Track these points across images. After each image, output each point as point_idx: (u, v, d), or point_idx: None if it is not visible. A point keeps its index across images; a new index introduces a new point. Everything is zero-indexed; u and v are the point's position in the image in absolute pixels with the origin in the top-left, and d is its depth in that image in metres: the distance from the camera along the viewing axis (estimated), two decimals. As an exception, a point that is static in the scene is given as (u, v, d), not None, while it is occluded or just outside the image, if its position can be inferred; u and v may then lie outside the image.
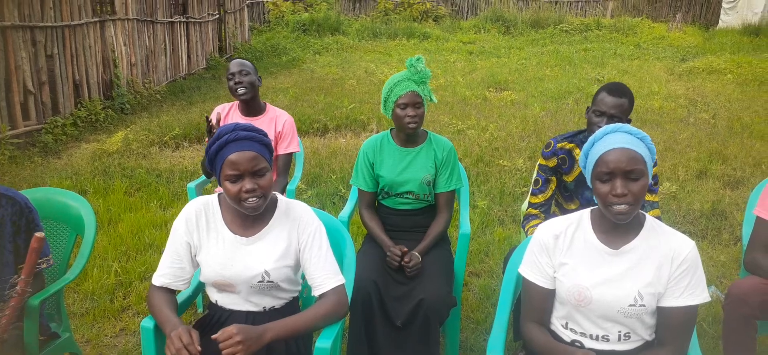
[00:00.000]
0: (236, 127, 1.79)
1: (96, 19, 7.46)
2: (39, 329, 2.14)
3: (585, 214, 1.86)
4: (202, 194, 3.42)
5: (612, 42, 14.74)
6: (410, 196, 2.68)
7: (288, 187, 3.42)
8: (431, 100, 2.62)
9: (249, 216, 1.89)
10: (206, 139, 3.08)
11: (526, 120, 7.20)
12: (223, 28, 12.68)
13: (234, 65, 3.18)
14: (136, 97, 8.25)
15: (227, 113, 3.30)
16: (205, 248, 1.90)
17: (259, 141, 1.80)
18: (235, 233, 1.90)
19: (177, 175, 5.40)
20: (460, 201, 2.92)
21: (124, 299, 3.45)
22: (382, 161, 2.70)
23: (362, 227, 4.08)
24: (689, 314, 1.72)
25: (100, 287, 3.50)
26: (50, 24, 6.50)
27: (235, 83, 3.15)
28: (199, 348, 1.68)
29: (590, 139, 1.78)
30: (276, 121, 3.29)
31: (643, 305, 1.72)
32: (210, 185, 3.59)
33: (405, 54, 13.62)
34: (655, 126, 7.05)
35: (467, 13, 20.10)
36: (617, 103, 2.43)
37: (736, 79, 9.84)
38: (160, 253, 3.86)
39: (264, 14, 18.35)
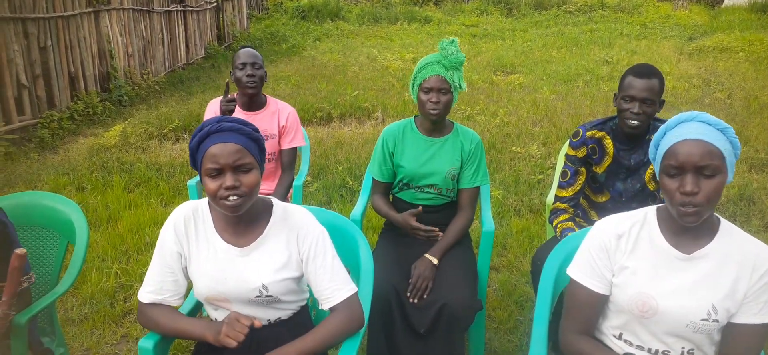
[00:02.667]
0: (221, 119, 1.58)
1: (90, 10, 7.22)
2: (30, 346, 1.96)
3: (650, 211, 1.63)
4: (203, 194, 3.25)
5: (617, 22, 14.46)
6: (432, 190, 2.48)
7: (295, 182, 3.21)
8: (461, 88, 2.40)
9: (242, 222, 1.68)
10: (222, 105, 2.82)
11: (536, 104, 6.98)
12: (221, 16, 12.43)
13: (246, 55, 2.91)
14: (134, 88, 8.04)
15: (228, 86, 3.08)
16: (195, 260, 1.69)
17: (247, 135, 1.59)
18: (228, 243, 1.69)
19: (178, 170, 5.20)
20: (481, 196, 2.70)
21: (125, 302, 3.26)
22: (404, 151, 2.49)
23: (374, 227, 3.95)
24: (763, 333, 1.51)
25: (99, 291, 3.32)
26: (43, 15, 6.27)
27: (248, 76, 2.89)
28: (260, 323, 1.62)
29: (662, 127, 1.56)
30: (279, 115, 3.07)
31: (717, 320, 1.50)
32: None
33: (407, 39, 13.38)
34: (670, 108, 6.82)
35: (469, -5, 19.77)
36: (647, 85, 2.23)
37: (748, 58, 9.59)
38: (162, 253, 3.72)
39: (262, 1, 18.05)
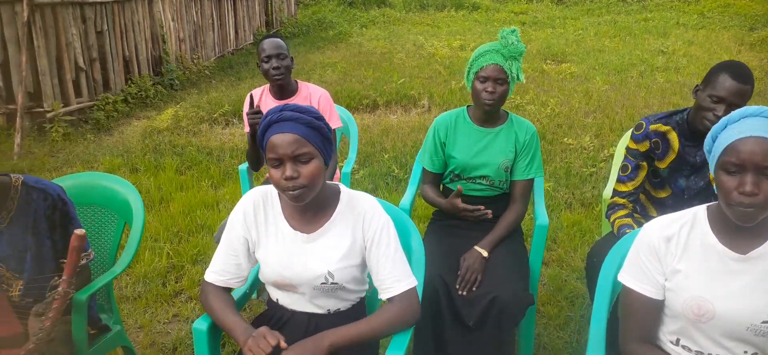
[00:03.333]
0: (284, 107, 1.57)
1: (144, -6, 7.40)
2: (89, 322, 2.01)
3: (700, 211, 1.54)
4: (253, 179, 3.27)
5: (673, 11, 13.93)
6: (484, 181, 2.42)
7: (343, 169, 3.20)
8: (518, 79, 2.33)
9: (309, 210, 1.68)
10: (248, 119, 2.85)
11: (588, 94, 6.78)
12: (269, 2, 12.55)
13: (269, 46, 2.87)
14: (185, 73, 8.21)
15: (260, 99, 3.09)
16: (263, 245, 1.71)
17: (306, 123, 1.56)
18: (295, 229, 1.70)
19: (228, 154, 5.28)
20: (535, 188, 2.62)
21: (176, 282, 3.34)
22: (456, 141, 2.44)
23: (422, 217, 3.91)
24: None
25: (152, 270, 3.40)
26: (99, 0, 6.45)
27: (273, 68, 2.87)
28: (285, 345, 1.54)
29: (722, 120, 1.46)
30: (310, 99, 3.04)
31: None
32: (264, 167, 3.39)
33: (454, 26, 13.23)
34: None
35: (518, -18, 19.38)
36: (741, 90, 2.05)
37: (816, 49, 9.10)
38: (212, 234, 3.79)
39: (310, -13, 18.13)
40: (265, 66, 2.91)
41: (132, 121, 6.46)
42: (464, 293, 2.19)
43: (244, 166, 3.21)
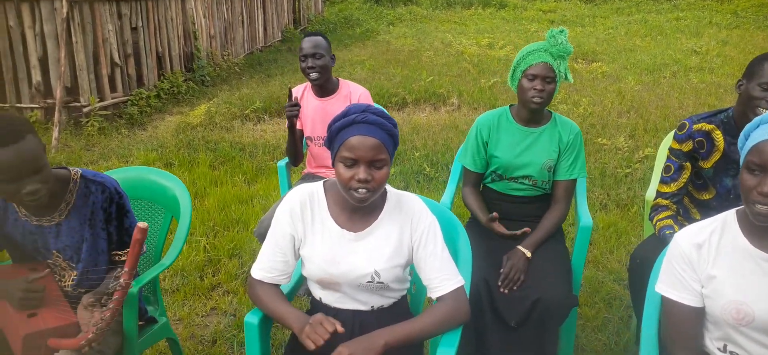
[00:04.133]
0: (368, 109, 1.58)
1: (178, -9, 7.50)
2: (137, 314, 2.05)
3: (729, 215, 1.54)
4: (291, 174, 3.28)
5: (706, 10, 13.68)
6: (527, 181, 2.41)
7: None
8: (566, 78, 2.32)
9: (358, 209, 1.70)
10: (285, 112, 2.88)
11: (621, 94, 6.70)
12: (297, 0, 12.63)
13: (307, 45, 2.91)
14: (215, 69, 8.30)
15: (301, 96, 3.12)
16: (310, 242, 1.72)
17: (388, 131, 1.58)
18: (342, 227, 1.71)
19: (260, 150, 5.34)
20: (577, 189, 2.60)
21: (213, 276, 3.38)
22: (498, 140, 2.43)
23: (461, 215, 3.89)
24: None
25: (190, 264, 3.45)
26: (135, -3, 6.57)
27: (308, 68, 2.92)
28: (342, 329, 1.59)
29: (757, 119, 1.45)
30: (350, 98, 3.06)
31: None
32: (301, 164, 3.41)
33: (482, 24, 13.16)
34: None
35: (545, -20, 19.20)
36: None
37: None
38: (247, 229, 3.84)
39: (336, -15, 18.18)
40: (303, 65, 2.95)
41: (164, 117, 6.55)
42: (506, 291, 2.19)
43: (282, 162, 3.24)
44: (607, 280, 3.24)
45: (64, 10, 5.56)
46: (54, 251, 1.91)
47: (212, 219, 4.02)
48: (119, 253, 1.96)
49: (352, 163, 1.56)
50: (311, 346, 1.55)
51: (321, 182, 1.78)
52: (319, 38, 2.97)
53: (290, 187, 3.23)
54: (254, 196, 4.42)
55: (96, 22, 6.01)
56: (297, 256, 1.76)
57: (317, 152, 3.16)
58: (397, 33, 12.09)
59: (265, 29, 10.69)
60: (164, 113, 6.69)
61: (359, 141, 1.54)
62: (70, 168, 1.90)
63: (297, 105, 2.87)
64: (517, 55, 2.37)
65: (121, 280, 1.67)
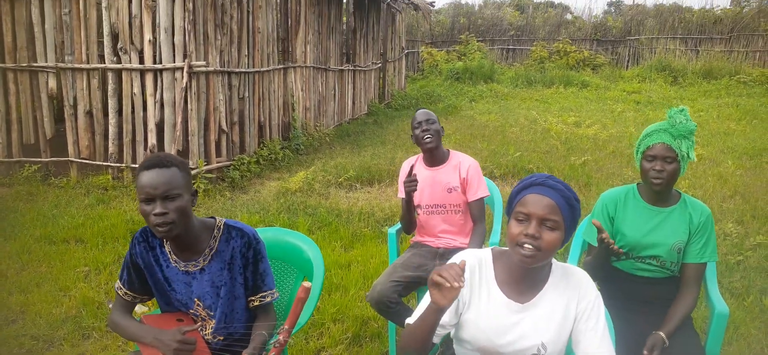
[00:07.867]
0: (549, 176, 1.66)
1: (281, 66, 8.00)
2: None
3: None
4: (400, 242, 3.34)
5: (805, 94, 13.09)
6: (654, 262, 2.38)
7: (490, 239, 3.25)
8: (689, 157, 2.31)
9: (524, 279, 1.71)
10: (405, 186, 3.01)
11: (722, 179, 6.46)
12: (383, 75, 13.11)
13: (421, 115, 3.16)
14: (308, 139, 8.69)
15: (412, 167, 3.24)
16: (475, 307, 1.74)
17: (564, 196, 1.62)
18: (508, 297, 1.72)
19: (356, 217, 5.49)
20: (707, 273, 2.53)
21: (318, 339, 3.46)
22: (625, 217, 2.42)
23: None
24: None
25: (297, 326, 3.54)
26: (244, 70, 7.06)
27: (423, 131, 3.10)
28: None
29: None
30: (460, 167, 3.17)
31: None
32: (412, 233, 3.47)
33: (564, 102, 13.13)
34: None
35: (628, 62, 19.07)
36: None
37: None
38: (349, 295, 3.92)
39: (418, 63, 18.79)
40: (417, 132, 3.13)
41: (263, 182, 6.88)
42: None
43: (392, 229, 3.33)
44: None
45: (184, 81, 6.06)
46: (195, 299, 2.03)
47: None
48: (253, 299, 2.07)
49: (524, 218, 1.61)
50: None
51: (489, 249, 1.82)
52: (430, 110, 3.21)
53: (399, 253, 3.32)
54: (352, 261, 4.52)
55: (210, 92, 6.50)
56: (456, 317, 1.77)
57: (426, 221, 3.24)
58: (480, 109, 12.26)
59: (353, 103, 11.15)
60: (263, 178, 7.03)
61: (534, 198, 1.60)
62: (217, 218, 2.05)
63: (415, 180, 2.99)
64: (640, 135, 2.40)
65: (280, 337, 1.76)
